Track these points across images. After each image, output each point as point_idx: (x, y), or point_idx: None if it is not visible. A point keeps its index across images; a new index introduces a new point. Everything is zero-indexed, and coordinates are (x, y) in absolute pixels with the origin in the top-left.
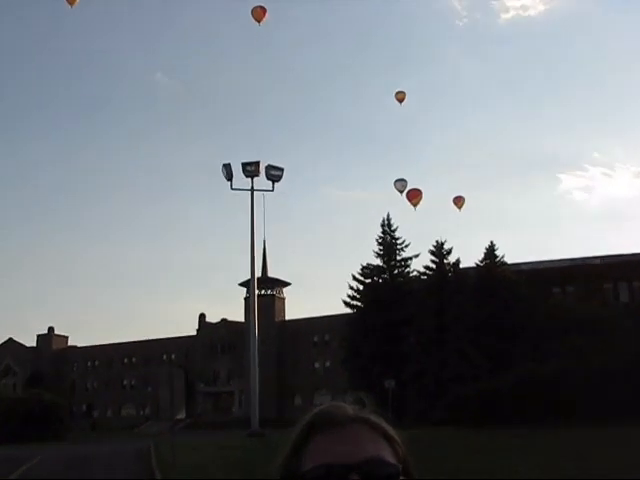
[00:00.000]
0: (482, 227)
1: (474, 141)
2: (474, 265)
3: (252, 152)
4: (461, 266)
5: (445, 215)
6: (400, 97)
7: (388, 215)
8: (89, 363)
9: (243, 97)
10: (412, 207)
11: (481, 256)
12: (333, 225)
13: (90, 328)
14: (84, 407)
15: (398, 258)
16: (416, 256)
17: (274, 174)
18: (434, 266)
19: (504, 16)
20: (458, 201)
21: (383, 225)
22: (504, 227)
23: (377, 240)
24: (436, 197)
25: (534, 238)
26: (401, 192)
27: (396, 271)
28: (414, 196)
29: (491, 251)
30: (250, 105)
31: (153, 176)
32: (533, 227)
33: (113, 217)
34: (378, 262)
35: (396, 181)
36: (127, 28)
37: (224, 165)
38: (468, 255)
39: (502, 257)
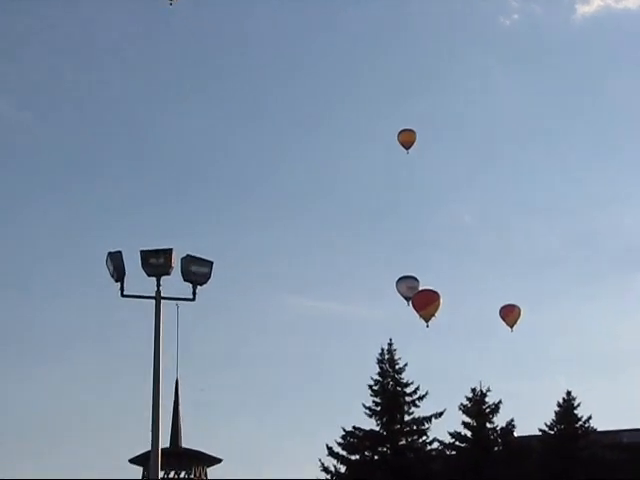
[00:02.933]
0: (551, 362)
1: (534, 199)
2: (538, 432)
3: (161, 238)
4: (517, 434)
5: (487, 339)
6: (406, 139)
7: (390, 344)
8: None
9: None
10: (424, 323)
11: (551, 416)
12: (295, 357)
13: None
14: None
15: (407, 418)
16: (438, 415)
17: (197, 272)
18: (469, 433)
19: (582, 9)
20: (509, 313)
21: (382, 360)
22: (591, 364)
23: (371, 386)
24: (468, 306)
25: None
26: (407, 299)
27: (404, 441)
28: (425, 302)
29: (568, 407)
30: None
31: None
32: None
33: None
34: (373, 425)
35: (400, 280)
36: None
37: (110, 255)
38: (528, 414)
39: (587, 419)
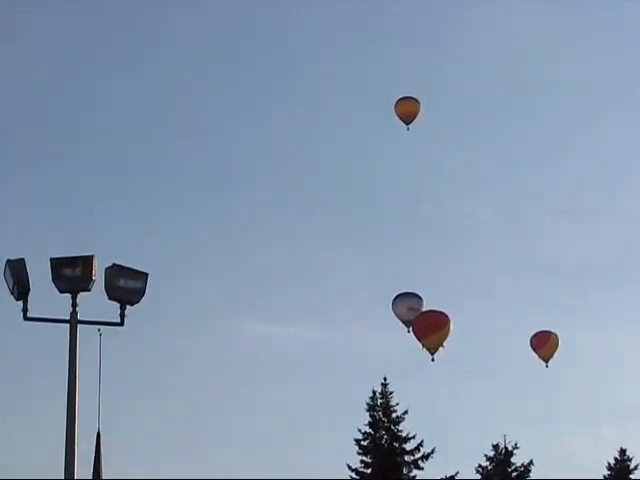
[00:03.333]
0: (599, 409)
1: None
2: None
3: (79, 243)
4: None
5: (513, 378)
6: (406, 110)
7: (385, 384)
8: None
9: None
10: (429, 356)
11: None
12: (261, 400)
13: None
14: None
15: None
16: None
17: (127, 287)
18: None
19: None
20: (543, 343)
21: (373, 406)
22: None
23: (359, 441)
24: (488, 334)
25: None
26: (408, 324)
27: None
28: (431, 328)
29: (622, 470)
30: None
31: None
32: None
33: None
34: None
35: (398, 299)
36: None
37: (9, 264)
38: (570, 471)
39: None
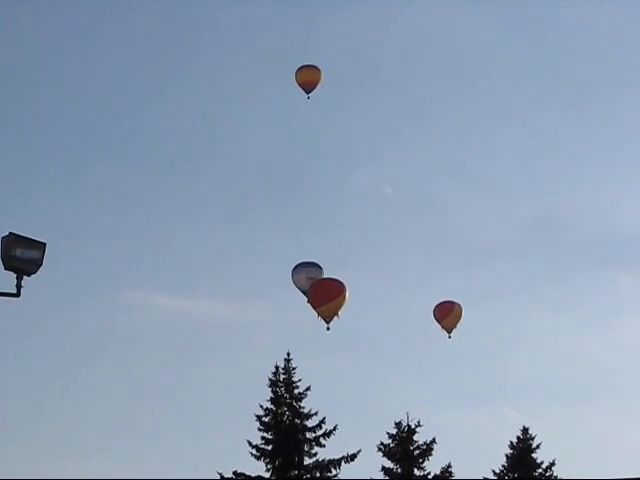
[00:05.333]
0: (503, 386)
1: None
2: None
3: None
4: (456, 478)
5: (415, 351)
6: (307, 79)
7: (288, 359)
8: None
9: None
10: (324, 323)
11: (501, 461)
12: (156, 374)
13: None
14: None
15: (308, 462)
16: (350, 458)
17: (24, 257)
18: None
19: None
20: (446, 313)
21: (275, 382)
22: (555, 390)
23: (260, 417)
24: (389, 304)
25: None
26: (307, 295)
27: None
28: (325, 295)
29: (524, 450)
30: None
31: None
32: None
33: None
34: (261, 470)
35: (297, 269)
36: None
37: None
38: (470, 458)
39: (550, 466)
